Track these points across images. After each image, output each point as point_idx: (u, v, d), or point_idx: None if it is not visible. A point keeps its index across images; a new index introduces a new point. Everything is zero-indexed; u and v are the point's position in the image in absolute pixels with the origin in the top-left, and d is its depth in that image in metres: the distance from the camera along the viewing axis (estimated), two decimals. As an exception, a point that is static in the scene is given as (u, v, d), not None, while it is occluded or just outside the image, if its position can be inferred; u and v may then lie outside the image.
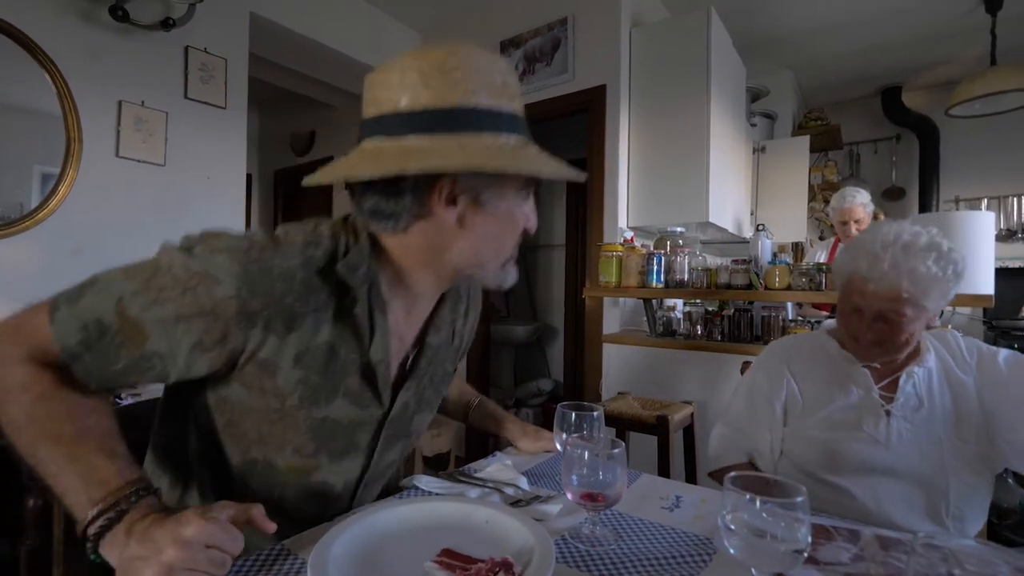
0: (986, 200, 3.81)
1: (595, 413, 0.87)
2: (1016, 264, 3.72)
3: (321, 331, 0.65)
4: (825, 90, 4.04)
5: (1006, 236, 3.74)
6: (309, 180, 0.67)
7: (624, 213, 2.61)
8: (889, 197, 4.12)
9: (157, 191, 2.21)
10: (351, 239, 0.68)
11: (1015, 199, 3.73)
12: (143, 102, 2.16)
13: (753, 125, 3.40)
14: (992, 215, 1.64)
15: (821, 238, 3.96)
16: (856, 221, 2.62)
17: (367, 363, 0.69)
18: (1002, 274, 3.68)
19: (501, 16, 2.97)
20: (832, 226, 2.93)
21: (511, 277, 0.74)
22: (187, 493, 0.73)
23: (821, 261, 2.71)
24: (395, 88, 0.64)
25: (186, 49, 2.29)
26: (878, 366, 1.06)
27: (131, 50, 2.12)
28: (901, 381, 1.03)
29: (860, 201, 2.63)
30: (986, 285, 1.59)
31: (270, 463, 0.70)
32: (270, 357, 0.63)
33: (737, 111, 2.91)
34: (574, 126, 2.81)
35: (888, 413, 1.02)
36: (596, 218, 2.62)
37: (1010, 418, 0.97)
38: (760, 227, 2.22)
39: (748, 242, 3.12)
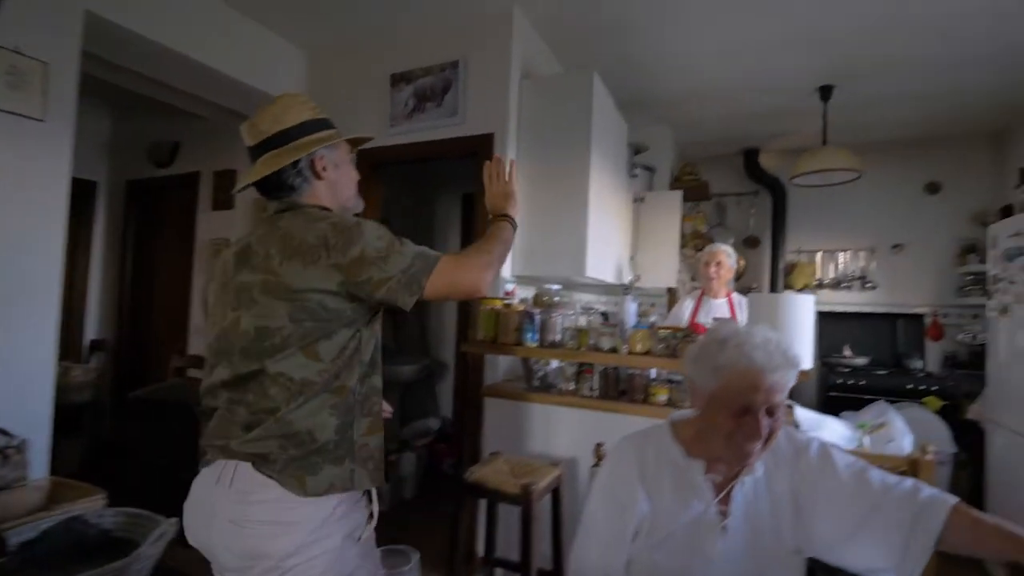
0: (821, 252, 4.41)
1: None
2: (841, 309, 4.33)
3: None
4: (698, 146, 4.44)
5: (834, 284, 4.35)
6: (239, 186, 1.16)
7: (509, 262, 2.64)
8: (748, 245, 4.62)
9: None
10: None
11: (842, 253, 4.36)
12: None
13: (634, 176, 3.62)
14: (813, 297, 1.87)
15: (693, 279, 4.31)
16: (717, 264, 2.90)
17: None
18: (830, 317, 4.31)
19: (394, 49, 2.89)
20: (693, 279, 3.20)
21: (360, 204, 1.27)
22: None
23: (686, 315, 2.92)
24: (279, 119, 1.10)
25: (-9, 47, 1.92)
26: (719, 478, 1.06)
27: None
28: (735, 492, 1.05)
29: (723, 248, 2.95)
30: (806, 361, 1.79)
31: None
32: None
33: (619, 164, 3.08)
34: (467, 161, 2.79)
35: (724, 528, 1.04)
36: (481, 266, 2.61)
37: (819, 511, 1.02)
38: (626, 289, 2.35)
39: (626, 285, 3.33)
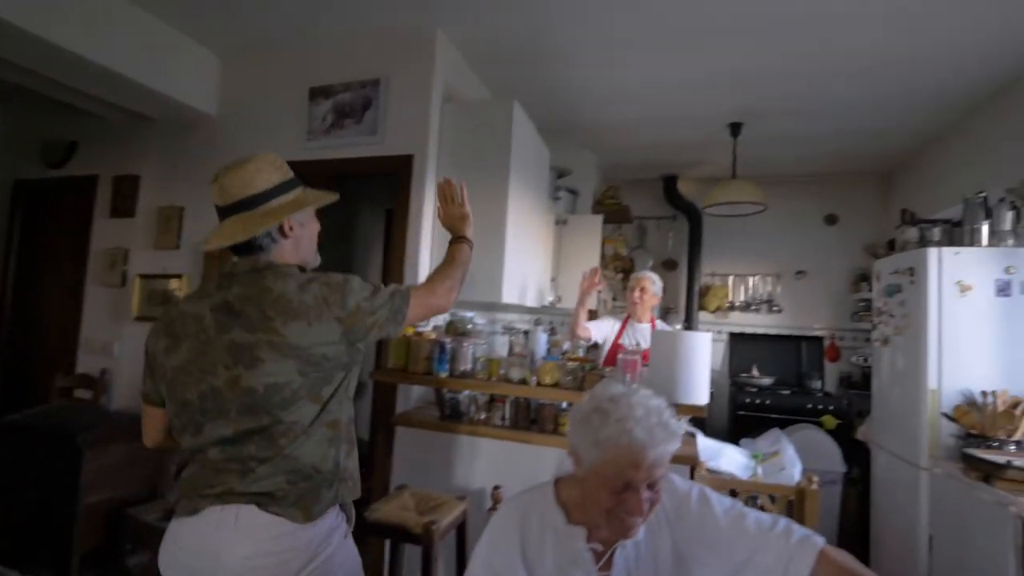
0: (732, 276, 4.69)
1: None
2: (750, 330, 4.61)
3: None
4: (621, 170, 4.61)
5: (744, 307, 4.63)
6: (210, 246, 1.15)
7: (426, 284, 2.61)
8: (667, 267, 4.83)
9: None
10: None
11: (752, 277, 4.65)
12: None
13: (558, 199, 3.70)
14: (709, 335, 1.98)
15: (615, 298, 4.45)
16: (641, 289, 2.94)
17: None
18: (741, 338, 4.57)
19: (314, 62, 2.81)
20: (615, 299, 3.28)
21: (317, 260, 1.30)
22: None
23: (609, 334, 2.96)
24: (250, 183, 1.14)
25: None
26: (600, 547, 1.05)
27: None
28: (616, 557, 1.05)
29: (650, 276, 3.00)
30: (702, 396, 1.89)
31: None
32: None
33: (540, 188, 3.13)
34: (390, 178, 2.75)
35: None
36: (396, 288, 2.57)
37: (700, 559, 1.05)
38: (538, 321, 2.39)
39: (547, 306, 3.38)
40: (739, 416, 3.90)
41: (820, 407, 3.83)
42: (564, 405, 2.19)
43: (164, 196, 3.17)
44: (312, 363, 1.07)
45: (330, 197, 1.24)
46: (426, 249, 2.61)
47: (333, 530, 1.13)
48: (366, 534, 1.81)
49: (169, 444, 1.20)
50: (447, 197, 1.50)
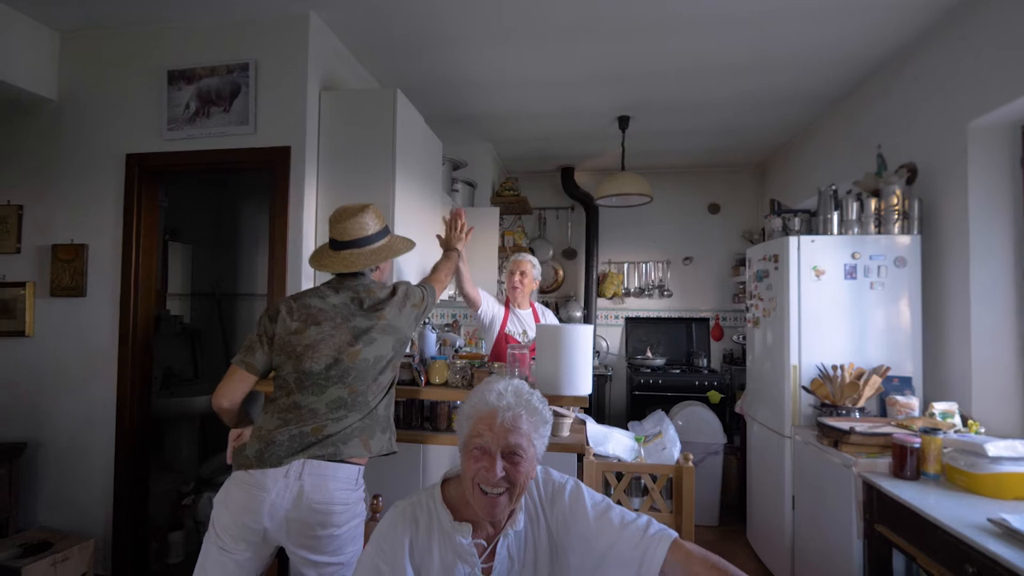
0: (627, 263, 4.91)
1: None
2: (644, 315, 4.87)
3: None
4: (519, 161, 4.65)
5: (639, 292, 4.88)
6: (325, 268, 1.65)
7: (311, 283, 2.47)
8: (566, 256, 4.97)
9: None
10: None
11: (644, 265, 4.90)
12: None
13: (455, 191, 3.66)
14: (591, 328, 2.04)
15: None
16: (522, 273, 2.93)
17: None
18: (636, 322, 4.81)
19: (173, 42, 2.54)
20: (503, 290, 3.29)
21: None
22: None
23: (494, 319, 2.92)
24: (366, 225, 1.64)
25: None
26: (484, 543, 1.10)
27: None
28: (498, 547, 1.10)
29: (529, 259, 2.98)
30: (585, 387, 1.95)
31: None
32: None
33: (432, 182, 3.06)
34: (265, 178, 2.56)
35: None
36: (278, 290, 2.41)
37: (571, 550, 1.11)
38: (427, 321, 2.35)
39: (447, 300, 3.33)
40: (636, 396, 4.11)
41: (706, 383, 4.12)
42: (458, 402, 2.18)
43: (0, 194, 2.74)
44: (401, 341, 1.61)
45: (411, 246, 1.76)
46: (309, 246, 2.47)
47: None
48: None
49: (238, 407, 1.55)
50: (457, 226, 2.24)
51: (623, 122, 3.63)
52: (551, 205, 4.92)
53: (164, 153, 2.50)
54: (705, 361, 4.53)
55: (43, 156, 2.68)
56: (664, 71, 3.00)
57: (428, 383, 2.04)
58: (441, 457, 2.09)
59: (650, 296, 4.87)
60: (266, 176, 2.50)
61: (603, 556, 1.08)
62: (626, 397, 4.31)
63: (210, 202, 3.79)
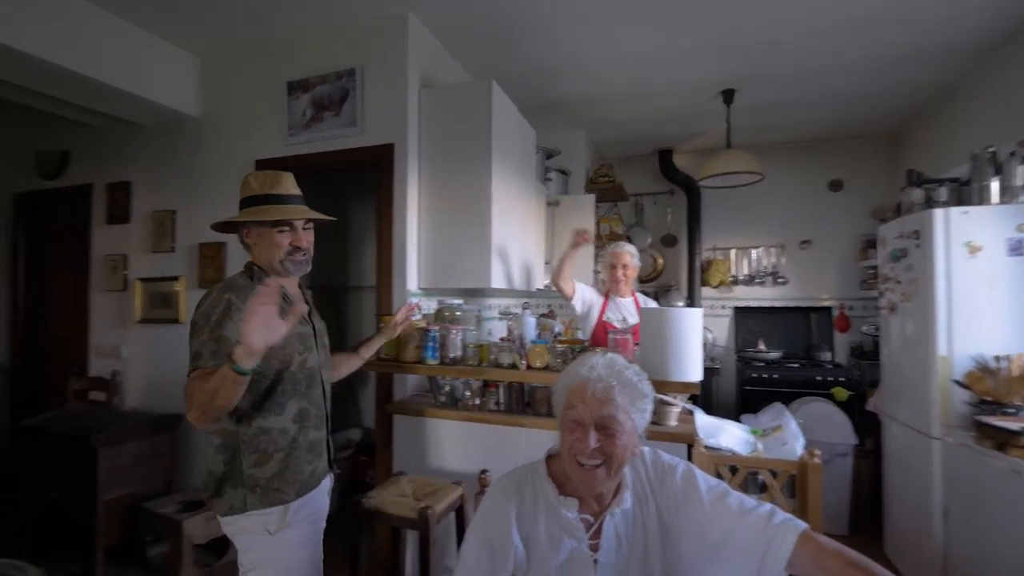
0: (735, 249, 4.58)
1: None
2: (755, 304, 4.52)
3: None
4: (614, 146, 4.51)
5: (748, 280, 4.53)
6: (233, 219, 1.45)
7: (415, 275, 2.59)
8: (666, 243, 4.74)
9: None
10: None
11: (754, 249, 4.54)
12: None
13: (548, 180, 3.64)
14: (700, 311, 1.91)
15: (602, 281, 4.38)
16: (624, 266, 2.83)
17: (293, 303, 1.38)
18: (746, 312, 4.48)
19: (289, 56, 2.77)
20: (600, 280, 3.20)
21: (292, 268, 1.44)
22: None
23: (592, 307, 2.85)
24: (247, 186, 1.43)
25: None
26: (591, 518, 1.09)
27: None
28: (604, 525, 1.08)
29: (628, 250, 2.86)
30: (695, 374, 1.84)
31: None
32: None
33: (527, 171, 3.07)
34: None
35: (596, 563, 1.06)
36: (385, 280, 2.55)
37: (682, 534, 1.06)
38: (525, 305, 2.35)
39: (543, 289, 3.33)
40: (746, 392, 3.84)
41: (830, 379, 3.74)
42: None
43: (156, 201, 3.17)
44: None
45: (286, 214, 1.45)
46: (412, 242, 2.57)
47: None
48: (362, 522, 1.81)
49: None
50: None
51: (728, 96, 3.39)
52: (648, 190, 4.72)
53: (285, 157, 2.74)
54: (829, 355, 4.11)
55: (189, 166, 3.06)
56: (775, 36, 2.74)
57: (529, 367, 2.04)
58: (542, 441, 2.08)
59: (761, 284, 4.51)
60: (371, 173, 2.65)
61: (720, 543, 1.02)
62: (736, 392, 4.03)
63: (321, 200, 4.10)
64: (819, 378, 3.77)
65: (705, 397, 4.09)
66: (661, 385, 1.82)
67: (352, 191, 3.98)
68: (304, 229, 1.45)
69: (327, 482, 1.52)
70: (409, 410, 2.32)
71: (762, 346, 4.20)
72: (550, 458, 1.16)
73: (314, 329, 1.51)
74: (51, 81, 2.57)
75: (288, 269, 1.42)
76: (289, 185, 1.45)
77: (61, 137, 3.49)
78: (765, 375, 3.87)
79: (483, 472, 1.48)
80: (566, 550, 1.06)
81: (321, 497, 1.48)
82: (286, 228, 1.40)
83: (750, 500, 1.07)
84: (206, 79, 3.01)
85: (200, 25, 2.69)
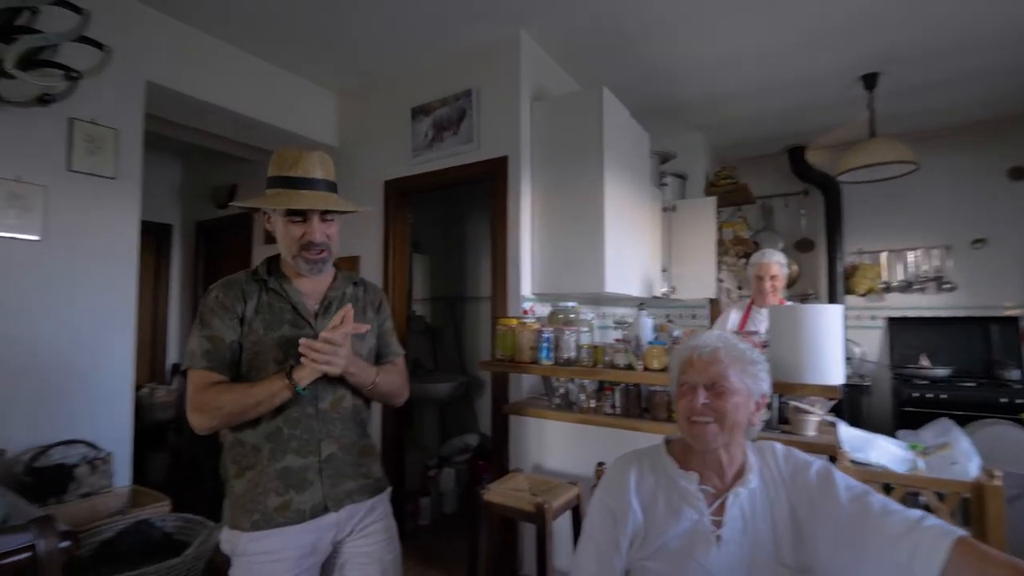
0: (886, 253, 4.05)
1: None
2: (914, 314, 3.93)
3: (261, 296, 1.24)
4: (736, 148, 4.26)
5: (904, 287, 3.97)
6: (238, 204, 1.34)
7: (529, 280, 2.65)
8: (800, 249, 4.33)
9: (32, 267, 2.11)
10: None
11: (910, 253, 3.97)
12: (18, 177, 2.09)
13: (664, 185, 3.53)
14: (841, 307, 1.72)
15: (740, 287, 4.10)
16: (772, 277, 2.65)
17: (292, 304, 1.24)
18: (901, 324, 3.93)
19: (412, 84, 3.03)
20: (740, 287, 3.02)
21: (305, 266, 1.24)
22: None
23: (734, 327, 2.73)
24: (270, 165, 1.26)
25: (70, 122, 2.23)
26: (712, 489, 1.08)
27: (5, 126, 2.06)
28: (728, 503, 1.05)
29: (776, 259, 2.68)
30: (835, 376, 1.65)
31: (266, 375, 1.19)
32: (245, 314, 1.20)
33: (641, 176, 3.01)
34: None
35: (718, 538, 1.03)
36: (500, 286, 2.64)
37: (817, 532, 0.98)
38: (641, 305, 2.28)
39: (660, 297, 3.23)
40: (905, 413, 3.34)
41: (1019, 401, 3.13)
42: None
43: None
44: None
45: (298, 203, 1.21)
46: (526, 249, 2.65)
47: None
48: (480, 512, 1.87)
49: None
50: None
51: (869, 81, 3.05)
52: (778, 192, 4.37)
53: (410, 177, 2.98)
54: (1016, 373, 3.45)
55: (332, 192, 3.45)
56: (926, 4, 2.43)
57: (646, 368, 1.98)
58: (660, 450, 2.00)
59: (922, 291, 3.92)
60: (485, 188, 2.78)
61: (859, 544, 0.93)
62: (892, 412, 3.53)
63: (439, 216, 4.38)
64: (1004, 399, 3.18)
65: (853, 417, 3.63)
66: (795, 388, 1.67)
67: (467, 207, 4.20)
68: (324, 221, 1.22)
69: (331, 518, 1.20)
70: (525, 411, 2.35)
71: (925, 362, 3.64)
72: (668, 441, 1.20)
73: (315, 336, 1.17)
74: (224, 124, 3.07)
75: (299, 266, 1.22)
76: (309, 166, 1.21)
77: (229, 173, 4.14)
78: (930, 394, 3.35)
79: (600, 464, 1.47)
80: (687, 520, 1.06)
81: (303, 535, 1.17)
82: (299, 218, 1.20)
83: (895, 503, 0.96)
84: (342, 112, 3.40)
85: (337, 66, 3.05)
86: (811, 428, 1.80)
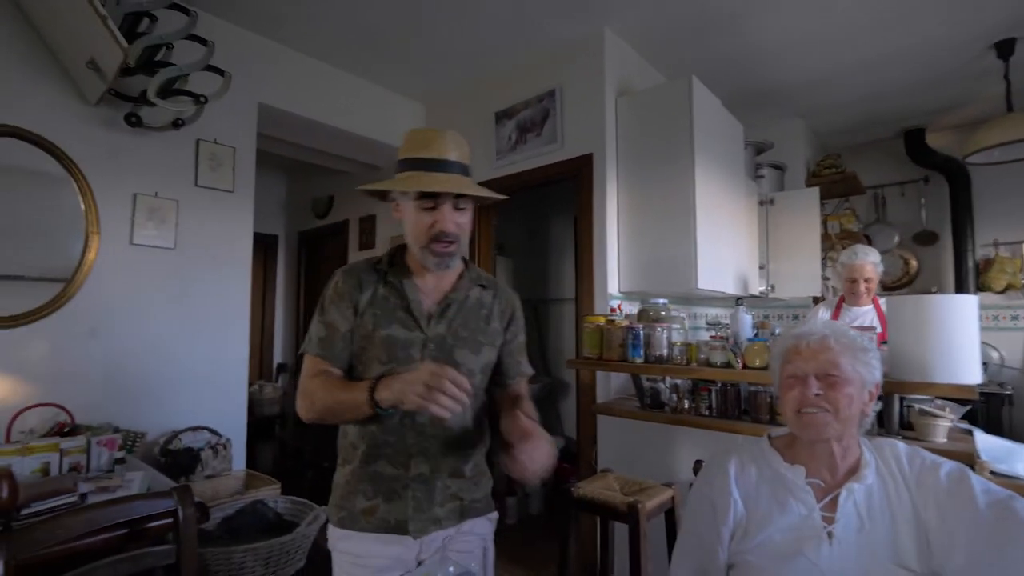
0: (1028, 244, 3.53)
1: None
2: (1067, 314, 3.40)
3: (378, 288, 1.14)
4: (842, 134, 3.91)
5: (1053, 283, 3.44)
6: (364, 187, 1.17)
7: (615, 279, 2.60)
8: (920, 241, 3.89)
9: (167, 273, 2.39)
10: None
11: (1060, 242, 3.44)
12: (156, 193, 2.37)
13: (760, 177, 3.33)
14: (975, 299, 1.51)
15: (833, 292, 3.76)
16: (866, 280, 2.48)
17: (406, 303, 1.12)
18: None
19: (495, 89, 3.09)
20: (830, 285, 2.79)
21: (431, 260, 1.10)
22: None
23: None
24: (401, 146, 1.14)
25: (197, 142, 2.50)
26: (821, 483, 1.02)
27: (146, 148, 2.34)
28: (841, 499, 0.99)
29: (871, 260, 2.49)
30: (970, 375, 1.46)
31: (369, 373, 1.09)
32: (359, 304, 1.12)
33: (735, 168, 2.86)
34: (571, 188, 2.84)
35: (830, 535, 0.97)
36: (586, 285, 2.61)
37: (949, 539, 0.90)
38: (739, 300, 2.15)
39: (758, 296, 3.04)
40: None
41: None
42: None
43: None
44: None
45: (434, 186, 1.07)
46: (612, 247, 2.60)
47: None
48: (570, 508, 1.84)
49: None
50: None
51: (1005, 48, 2.69)
52: (892, 180, 3.96)
53: (494, 179, 3.04)
54: None
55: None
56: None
57: (745, 366, 1.87)
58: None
59: (1072, 287, 3.39)
60: (569, 188, 2.76)
61: (999, 552, 0.85)
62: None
63: (523, 218, 4.42)
64: None
65: (992, 430, 3.19)
66: (921, 388, 1.50)
67: (549, 208, 4.20)
68: (457, 209, 1.09)
69: (414, 542, 1.09)
70: (613, 411, 2.30)
71: (1082, 368, 3.13)
72: (771, 438, 1.15)
73: (425, 341, 1.10)
74: (323, 138, 3.30)
75: (426, 259, 1.09)
76: (443, 147, 1.09)
77: (328, 185, 4.44)
78: (1091, 406, 2.87)
79: (698, 461, 1.40)
80: (794, 514, 1.01)
81: (387, 547, 1.09)
82: (430, 204, 1.07)
83: None
84: (430, 120, 3.54)
85: (424, 77, 3.18)
86: (941, 434, 1.61)
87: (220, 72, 2.18)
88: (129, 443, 2.05)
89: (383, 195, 1.17)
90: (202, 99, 2.19)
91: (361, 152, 3.56)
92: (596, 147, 2.63)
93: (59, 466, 1.60)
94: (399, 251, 1.19)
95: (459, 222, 1.10)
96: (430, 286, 1.16)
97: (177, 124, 2.29)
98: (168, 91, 2.14)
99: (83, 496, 1.40)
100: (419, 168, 1.07)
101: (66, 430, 1.84)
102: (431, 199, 1.07)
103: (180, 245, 2.43)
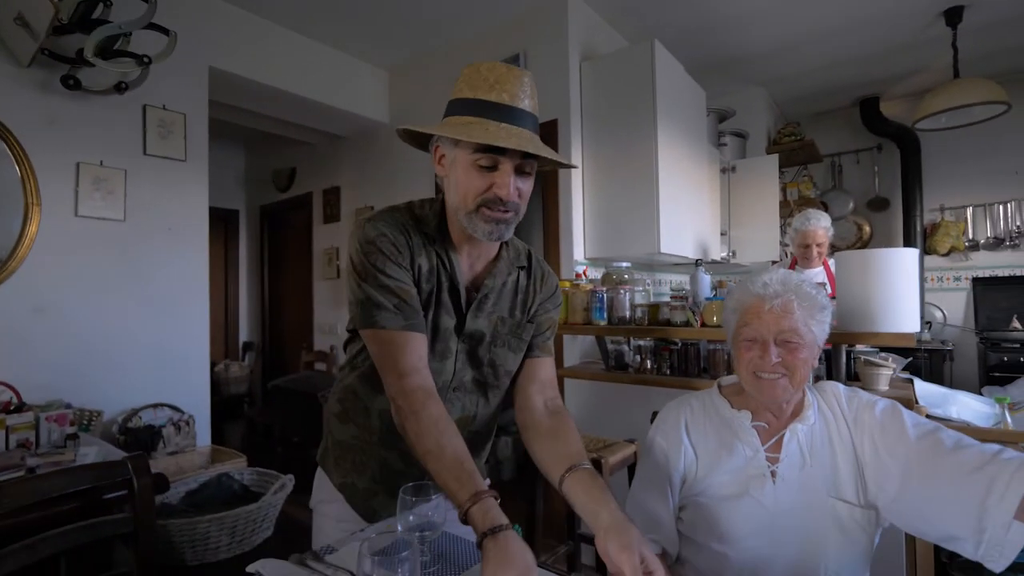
0: (971, 208, 3.71)
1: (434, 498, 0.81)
2: (1004, 272, 3.60)
3: (430, 257, 0.92)
4: (801, 102, 3.99)
5: (993, 244, 3.64)
6: (407, 126, 0.93)
7: (581, 245, 2.62)
8: (873, 207, 4.04)
9: (118, 246, 2.29)
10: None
11: (1000, 206, 3.62)
12: (101, 162, 2.25)
13: (723, 145, 3.38)
14: (915, 252, 1.59)
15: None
16: (818, 244, 2.55)
17: (453, 283, 0.93)
18: (990, 284, 3.62)
19: (460, 55, 3.03)
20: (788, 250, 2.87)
21: (482, 230, 0.87)
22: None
23: None
24: (456, 85, 0.90)
25: (144, 108, 2.37)
26: (766, 425, 1.06)
27: (88, 113, 2.21)
28: (785, 439, 1.03)
29: (823, 225, 2.56)
30: (910, 324, 1.54)
31: None
32: (415, 270, 0.90)
33: (697, 135, 2.89)
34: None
35: (773, 475, 1.02)
36: (552, 250, 2.63)
37: (883, 471, 0.95)
38: (699, 262, 2.20)
39: (719, 262, 3.12)
40: (995, 379, 3.10)
41: None
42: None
43: (359, 199, 3.73)
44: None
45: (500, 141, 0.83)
46: (578, 211, 2.61)
47: None
48: (535, 471, 1.88)
49: None
50: None
51: (953, 16, 2.77)
52: (847, 148, 4.08)
53: (460, 146, 2.99)
54: None
55: (383, 167, 3.53)
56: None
57: (704, 324, 1.92)
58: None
59: (1014, 247, 3.58)
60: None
61: (929, 480, 0.90)
62: (980, 379, 3.27)
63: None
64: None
65: (935, 383, 3.40)
66: (865, 337, 1.57)
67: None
68: (523, 173, 0.88)
69: None
70: (579, 374, 2.34)
71: (1018, 324, 3.34)
72: (720, 385, 1.17)
73: (460, 330, 0.95)
74: (282, 107, 3.19)
75: (474, 226, 0.87)
76: (516, 90, 0.86)
77: (289, 156, 4.31)
78: (1022, 358, 3.08)
79: (655, 413, 1.44)
80: (741, 456, 1.04)
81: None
82: (490, 162, 0.84)
83: (968, 437, 0.91)
84: (393, 89, 3.45)
85: (388, 44, 3.09)
86: (883, 382, 1.70)
87: (165, 31, 2.07)
88: (85, 421, 1.99)
89: (421, 141, 0.93)
90: (146, 59, 2.08)
91: (323, 122, 3.46)
92: (561, 112, 2.61)
93: (5, 442, 1.55)
94: (435, 212, 0.95)
95: (521, 189, 0.87)
96: (465, 265, 0.96)
97: (120, 88, 2.17)
98: (109, 52, 2.02)
99: (31, 470, 1.36)
100: (482, 113, 0.84)
101: (12, 408, 1.77)
102: (493, 155, 0.83)
103: (130, 217, 2.33)
